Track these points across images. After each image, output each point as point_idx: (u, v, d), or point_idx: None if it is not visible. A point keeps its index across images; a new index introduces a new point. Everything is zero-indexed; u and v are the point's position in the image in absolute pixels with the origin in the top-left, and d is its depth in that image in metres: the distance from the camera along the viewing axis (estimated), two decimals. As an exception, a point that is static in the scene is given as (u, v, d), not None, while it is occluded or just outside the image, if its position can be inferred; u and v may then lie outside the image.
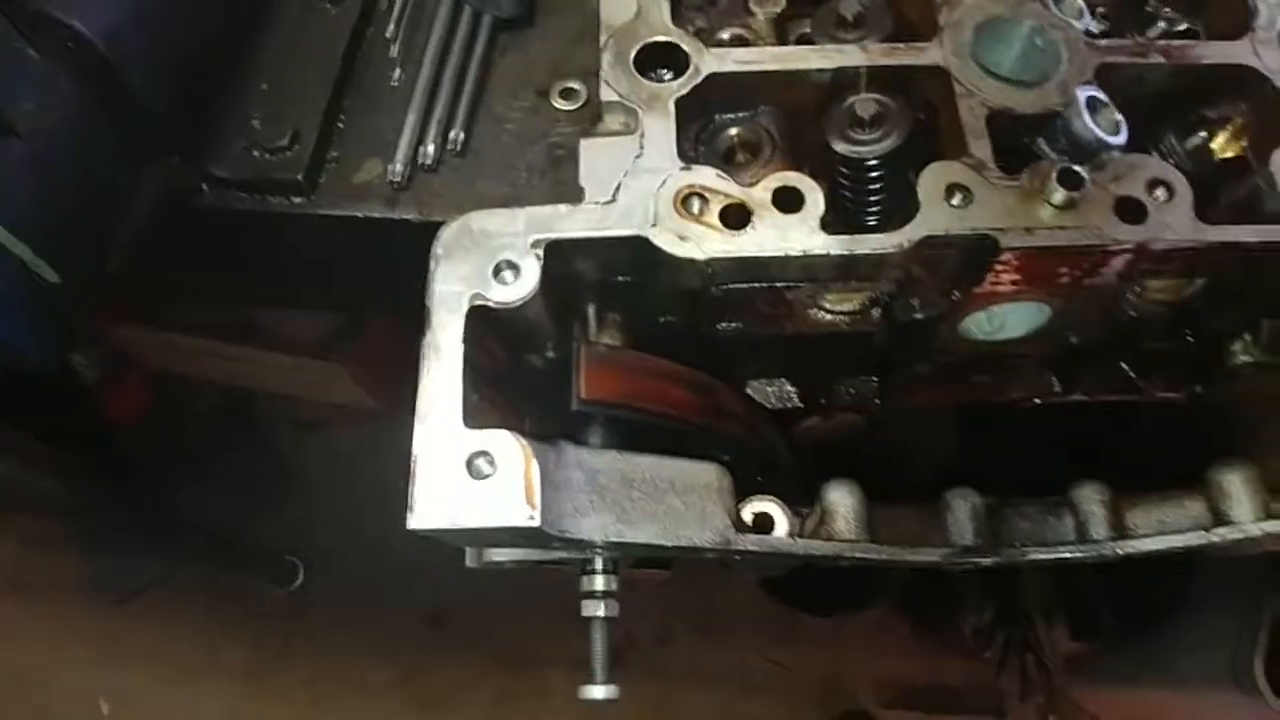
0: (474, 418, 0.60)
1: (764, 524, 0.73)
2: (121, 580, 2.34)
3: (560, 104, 1.00)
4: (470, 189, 0.99)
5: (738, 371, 0.91)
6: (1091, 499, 0.82)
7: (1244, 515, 0.77)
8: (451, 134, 1.03)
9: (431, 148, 1.01)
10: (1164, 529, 0.78)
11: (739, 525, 0.68)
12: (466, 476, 0.57)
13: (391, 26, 1.09)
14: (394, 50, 1.08)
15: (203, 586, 2.44)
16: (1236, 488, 0.78)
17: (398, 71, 1.08)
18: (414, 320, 0.73)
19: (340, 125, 1.05)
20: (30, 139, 0.82)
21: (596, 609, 0.67)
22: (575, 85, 1.00)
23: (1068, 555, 0.77)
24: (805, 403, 0.94)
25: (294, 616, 2.54)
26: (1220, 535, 0.76)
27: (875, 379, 0.95)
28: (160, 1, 0.92)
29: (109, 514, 2.12)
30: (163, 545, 2.31)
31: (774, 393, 0.94)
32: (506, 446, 0.58)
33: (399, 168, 1.00)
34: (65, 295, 0.87)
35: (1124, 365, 0.99)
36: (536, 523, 0.56)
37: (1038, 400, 0.99)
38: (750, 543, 0.67)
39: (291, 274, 1.19)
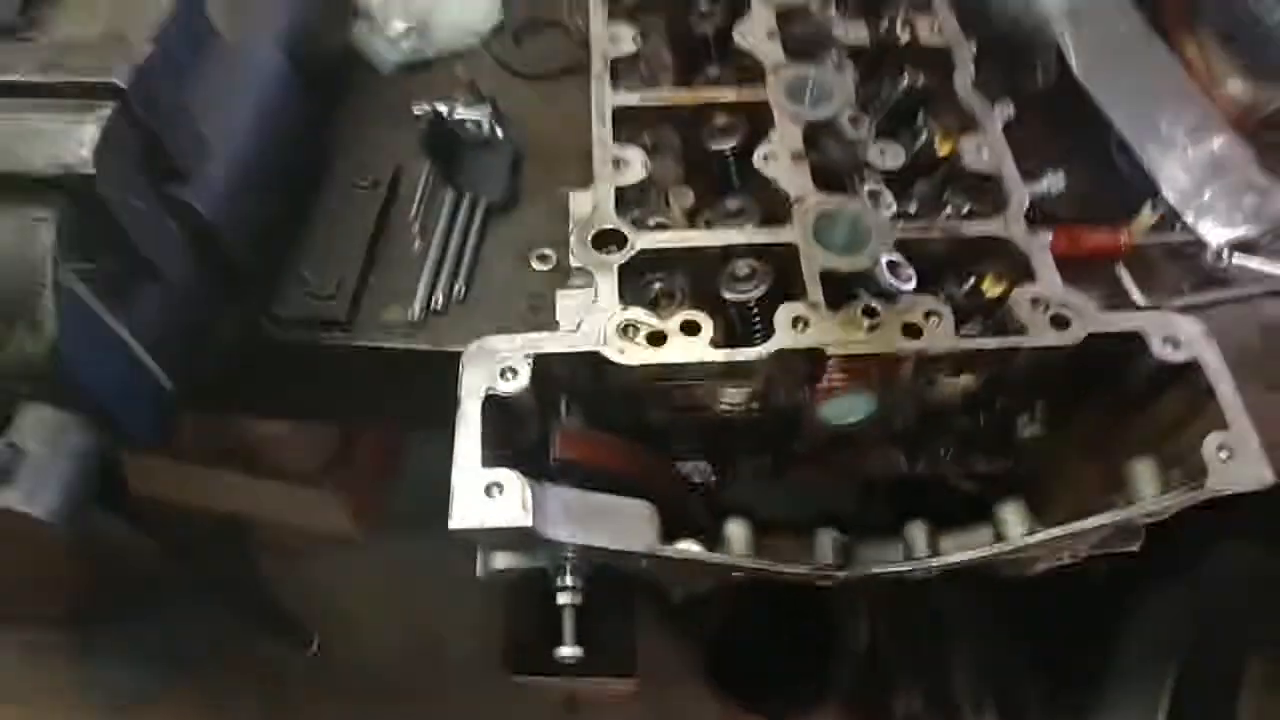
0: (488, 463, 0.93)
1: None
2: (118, 690, 2.43)
3: (537, 266, 1.38)
4: (470, 327, 1.24)
5: (667, 450, 1.24)
6: (917, 532, 1.16)
7: (1015, 535, 1.11)
8: (455, 286, 1.33)
9: (440, 296, 1.32)
10: (962, 548, 1.12)
11: (664, 543, 1.01)
12: (484, 496, 0.90)
13: (413, 207, 1.48)
14: (414, 226, 1.47)
15: (196, 701, 2.53)
16: (1010, 517, 1.14)
17: (416, 240, 1.45)
18: (423, 426, 1.04)
19: (371, 279, 1.37)
20: (163, 284, 1.16)
21: (567, 598, 0.98)
22: (548, 253, 1.38)
23: (894, 570, 1.10)
24: (717, 475, 1.27)
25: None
26: (999, 548, 1.09)
27: (767, 457, 1.29)
28: (253, 193, 1.29)
29: (110, 623, 2.26)
30: (160, 656, 2.43)
31: (694, 468, 1.28)
32: (510, 479, 0.91)
33: (416, 311, 1.31)
34: (174, 401, 1.19)
35: (950, 444, 1.35)
36: (530, 523, 0.89)
37: (889, 474, 1.34)
38: (670, 551, 0.99)
39: (329, 393, 1.52)
